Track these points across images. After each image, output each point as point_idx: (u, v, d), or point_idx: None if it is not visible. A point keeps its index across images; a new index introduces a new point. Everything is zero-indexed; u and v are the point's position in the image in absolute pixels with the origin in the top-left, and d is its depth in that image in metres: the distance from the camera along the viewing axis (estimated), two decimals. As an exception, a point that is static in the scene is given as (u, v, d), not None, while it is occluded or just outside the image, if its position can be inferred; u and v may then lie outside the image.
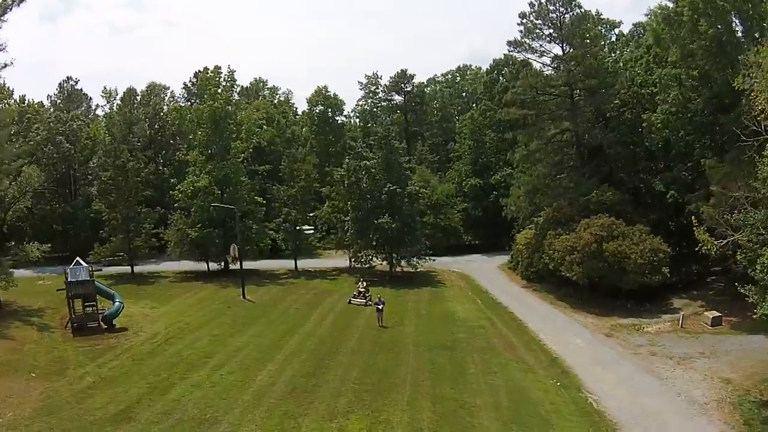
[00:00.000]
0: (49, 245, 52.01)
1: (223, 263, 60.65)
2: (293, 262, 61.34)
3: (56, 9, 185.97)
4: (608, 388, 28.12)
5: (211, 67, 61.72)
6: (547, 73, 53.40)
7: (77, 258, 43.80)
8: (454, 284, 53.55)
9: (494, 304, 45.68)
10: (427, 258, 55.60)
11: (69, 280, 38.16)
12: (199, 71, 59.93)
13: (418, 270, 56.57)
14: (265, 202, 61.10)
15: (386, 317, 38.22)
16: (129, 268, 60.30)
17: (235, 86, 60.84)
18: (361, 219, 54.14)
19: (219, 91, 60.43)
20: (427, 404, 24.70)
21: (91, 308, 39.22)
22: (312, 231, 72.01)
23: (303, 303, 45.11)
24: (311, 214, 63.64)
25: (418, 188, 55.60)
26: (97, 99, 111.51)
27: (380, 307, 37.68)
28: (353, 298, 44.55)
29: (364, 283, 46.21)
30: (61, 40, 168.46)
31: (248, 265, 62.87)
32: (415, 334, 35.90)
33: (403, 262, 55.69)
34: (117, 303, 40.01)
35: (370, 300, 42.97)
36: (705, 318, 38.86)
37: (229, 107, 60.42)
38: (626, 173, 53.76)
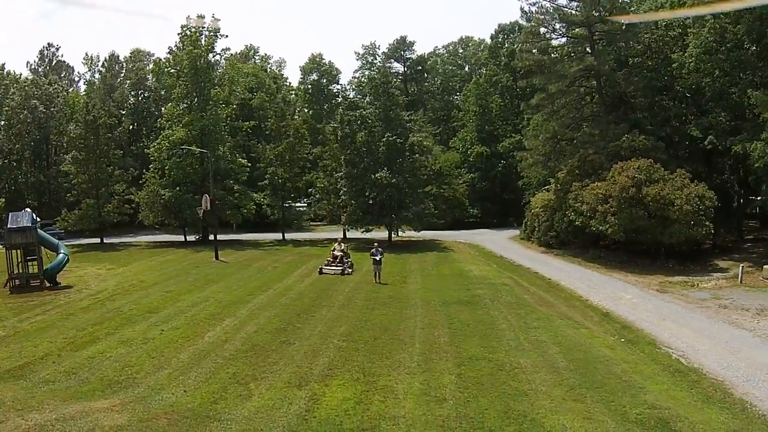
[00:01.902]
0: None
1: (200, 233, 51.71)
2: (283, 232, 52.47)
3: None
4: (691, 342, 19.59)
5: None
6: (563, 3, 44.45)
7: (27, 208, 35.34)
8: (462, 251, 44.55)
9: (513, 266, 36.78)
10: (433, 219, 46.58)
11: (8, 226, 29.75)
12: (184, 25, 51.54)
13: (420, 237, 47.78)
14: (249, 164, 52.25)
15: (385, 276, 29.44)
16: (101, 239, 51.76)
17: (219, 35, 51.71)
18: (355, 176, 45.17)
19: (201, 39, 51.59)
20: (448, 366, 15.79)
21: (32, 262, 30.70)
22: (305, 207, 63.35)
23: (284, 263, 36.20)
24: (303, 179, 54.65)
25: (421, 138, 46.28)
26: (82, 69, 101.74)
27: (377, 257, 28.44)
28: (325, 266, 31.67)
29: (342, 246, 33.52)
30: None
31: (230, 235, 54.28)
32: (423, 291, 26.89)
33: (404, 228, 46.82)
34: (61, 254, 31.29)
35: (350, 268, 31.27)
36: (765, 272, 31.34)
37: (211, 56, 51.55)
38: (655, 121, 45.13)
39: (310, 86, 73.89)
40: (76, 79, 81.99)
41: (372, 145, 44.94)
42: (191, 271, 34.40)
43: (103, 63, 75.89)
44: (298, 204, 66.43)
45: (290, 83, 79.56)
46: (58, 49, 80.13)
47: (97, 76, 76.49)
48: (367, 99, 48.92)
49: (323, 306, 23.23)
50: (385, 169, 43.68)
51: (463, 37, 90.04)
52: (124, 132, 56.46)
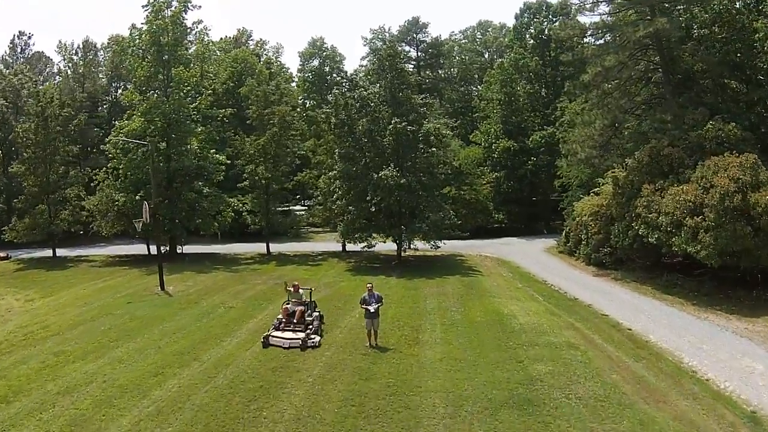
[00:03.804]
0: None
1: (168, 244, 41.47)
2: (268, 245, 42.02)
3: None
4: None
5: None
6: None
7: None
8: (492, 272, 33.75)
9: (568, 302, 25.91)
10: (454, 231, 35.82)
11: None
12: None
13: (437, 253, 37.11)
14: (228, 162, 41.84)
15: (388, 327, 18.84)
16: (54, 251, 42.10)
17: (191, 7, 41.21)
18: (354, 175, 34.51)
19: (167, 9, 41.11)
20: None
21: None
22: (303, 211, 53.06)
23: (246, 299, 25.52)
24: (293, 179, 44.15)
25: (439, 126, 35.10)
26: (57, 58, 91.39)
27: (372, 307, 17.32)
28: (274, 329, 18.38)
29: (301, 292, 19.69)
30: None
31: (210, 247, 44.00)
32: (446, 367, 15.99)
33: (417, 241, 36.07)
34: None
35: (316, 333, 18.16)
36: None
37: (178, 30, 41.06)
38: (736, 107, 34.02)
39: (310, 74, 63.40)
40: (56, 70, 72.14)
41: (376, 135, 34.25)
42: (117, 310, 24.17)
43: (76, 50, 65.84)
44: (297, 208, 56.21)
45: (288, 70, 68.87)
46: (30, 38, 70.49)
47: (69, 65, 66.42)
48: (372, 80, 37.99)
49: (262, 420, 12.57)
50: (392, 165, 32.95)
51: (482, 21, 78.84)
52: (80, 125, 46.12)
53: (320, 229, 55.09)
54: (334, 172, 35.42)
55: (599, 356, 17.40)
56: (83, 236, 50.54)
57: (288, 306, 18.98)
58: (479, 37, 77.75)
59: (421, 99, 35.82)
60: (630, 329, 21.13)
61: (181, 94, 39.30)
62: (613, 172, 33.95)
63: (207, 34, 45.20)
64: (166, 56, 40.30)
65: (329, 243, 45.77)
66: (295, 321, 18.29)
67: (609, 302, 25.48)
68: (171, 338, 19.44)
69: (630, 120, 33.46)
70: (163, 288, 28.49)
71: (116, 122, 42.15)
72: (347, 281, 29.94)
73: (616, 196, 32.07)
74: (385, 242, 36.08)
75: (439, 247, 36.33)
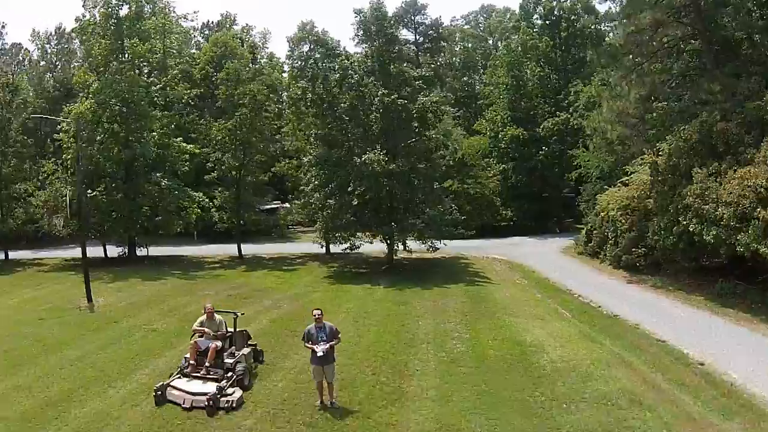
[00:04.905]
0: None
1: (126, 246, 35.33)
2: (239, 246, 35.71)
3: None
4: None
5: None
6: None
7: None
8: (503, 279, 27.30)
9: (603, 319, 19.50)
10: (457, 230, 29.46)
11: None
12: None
13: (437, 255, 30.78)
14: (197, 151, 35.52)
15: (356, 364, 12.60)
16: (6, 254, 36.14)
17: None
18: (334, 161, 28.11)
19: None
20: None
21: None
22: (286, 208, 47.00)
23: (180, 317, 18.75)
24: (271, 171, 37.87)
25: (437, 101, 28.54)
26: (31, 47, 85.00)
27: (321, 349, 10.57)
28: (177, 378, 11.85)
29: (217, 320, 12.77)
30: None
31: (175, 249, 37.83)
32: None
33: (410, 241, 29.64)
34: None
35: (237, 384, 11.61)
36: None
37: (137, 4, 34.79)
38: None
39: (299, 61, 56.85)
40: (27, 60, 66.09)
41: (360, 113, 27.84)
42: (26, 328, 18.10)
43: (47, 37, 59.83)
44: (287, 205, 49.92)
45: (280, 60, 62.41)
46: (3, 27, 64.67)
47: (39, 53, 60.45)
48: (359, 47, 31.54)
49: None
50: (378, 148, 26.56)
51: (485, 5, 72.31)
52: (35, 112, 39.96)
53: (309, 229, 48.81)
54: (310, 157, 29.04)
55: (677, 416, 11.06)
56: (55, 237, 44.49)
57: (199, 340, 12.53)
58: (482, 22, 71.26)
59: (417, 71, 29.37)
60: (702, 364, 14.76)
61: (136, 72, 33.05)
62: (651, 154, 27.60)
63: (173, 9, 38.96)
64: (125, 32, 34.17)
65: (315, 244, 39.51)
66: (207, 364, 11.95)
67: (658, 320, 19.09)
68: (54, 377, 13.42)
69: (668, 94, 27.00)
70: (90, 300, 22.41)
71: (64, 106, 35.97)
72: (323, 291, 23.69)
73: (655, 185, 25.71)
74: (372, 243, 29.64)
75: (437, 249, 29.86)
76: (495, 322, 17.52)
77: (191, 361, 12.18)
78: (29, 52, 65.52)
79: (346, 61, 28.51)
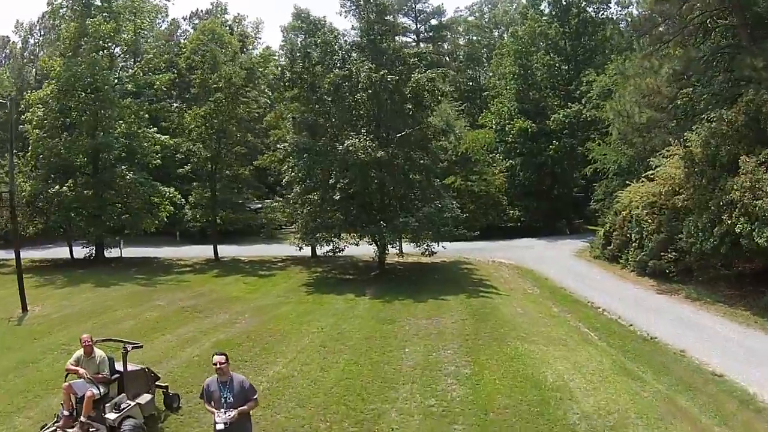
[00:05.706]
0: None
1: (93, 248, 31.58)
2: (215, 246, 31.86)
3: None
4: None
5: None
6: None
7: None
8: (511, 287, 23.20)
9: (639, 342, 15.45)
10: (459, 231, 25.42)
11: None
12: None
13: (436, 258, 26.76)
14: (171, 142, 31.60)
15: (318, 413, 9.39)
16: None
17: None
18: (315, 149, 24.04)
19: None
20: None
21: None
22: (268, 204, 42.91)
23: (114, 334, 15.14)
24: (252, 163, 33.94)
25: (433, 77, 24.43)
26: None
27: (220, 422, 6.49)
28: (56, 428, 8.16)
29: (98, 358, 8.80)
30: None
31: (152, 250, 34.09)
32: None
33: (405, 243, 25.61)
34: None
35: None
36: None
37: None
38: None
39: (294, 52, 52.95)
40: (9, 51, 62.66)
41: (346, 94, 23.85)
42: None
43: (30, 28, 56.31)
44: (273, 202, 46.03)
45: (274, 52, 58.43)
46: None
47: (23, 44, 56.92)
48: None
49: None
50: (365, 133, 22.58)
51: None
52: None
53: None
54: (285, 144, 25.10)
55: None
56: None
57: (75, 383, 8.70)
58: (487, 11, 67.10)
59: (414, 50, 25.43)
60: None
61: (100, 54, 29.26)
62: (677, 145, 23.53)
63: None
64: (94, 13, 30.46)
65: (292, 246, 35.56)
66: (82, 419, 8.17)
67: (705, 344, 15.05)
68: None
69: (702, 70, 22.91)
70: (25, 309, 18.76)
71: (25, 93, 32.28)
72: (295, 303, 19.72)
73: (691, 178, 21.60)
74: (357, 245, 25.60)
75: (435, 252, 25.78)
76: (504, 349, 13.46)
77: (65, 412, 8.39)
78: (15, 44, 62.27)
79: (329, 35, 24.58)
